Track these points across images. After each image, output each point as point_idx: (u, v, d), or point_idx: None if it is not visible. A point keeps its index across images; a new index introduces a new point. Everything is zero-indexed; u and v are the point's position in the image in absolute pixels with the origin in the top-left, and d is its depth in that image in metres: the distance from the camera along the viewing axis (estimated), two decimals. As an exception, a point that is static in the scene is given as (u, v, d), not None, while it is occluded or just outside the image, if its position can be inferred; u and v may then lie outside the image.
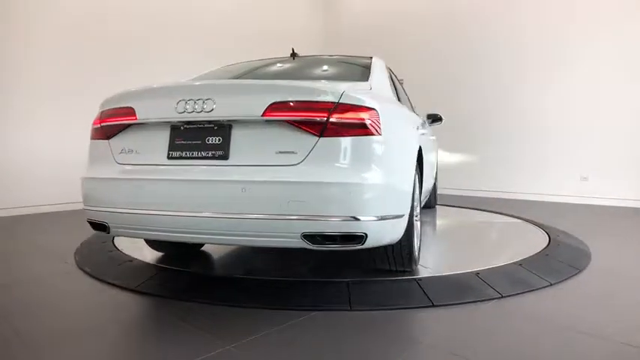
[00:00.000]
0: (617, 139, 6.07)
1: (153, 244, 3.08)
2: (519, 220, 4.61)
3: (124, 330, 2.02)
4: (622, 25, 5.98)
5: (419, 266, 2.73)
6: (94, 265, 2.99)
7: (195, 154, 2.09)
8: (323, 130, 1.94)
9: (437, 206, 5.62)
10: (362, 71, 2.64)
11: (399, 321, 2.09)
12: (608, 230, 4.47)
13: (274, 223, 1.93)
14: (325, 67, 2.98)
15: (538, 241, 3.49)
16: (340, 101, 1.96)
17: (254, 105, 2.00)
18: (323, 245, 1.97)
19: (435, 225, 4.59)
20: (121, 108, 2.25)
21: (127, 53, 6.16)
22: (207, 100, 2.05)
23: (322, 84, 2.21)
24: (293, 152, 1.96)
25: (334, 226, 1.90)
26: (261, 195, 1.94)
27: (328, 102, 1.96)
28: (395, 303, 2.27)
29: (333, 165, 1.93)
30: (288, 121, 1.97)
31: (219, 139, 2.06)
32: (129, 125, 2.23)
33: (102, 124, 2.32)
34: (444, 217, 5.00)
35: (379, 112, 2.03)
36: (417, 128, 2.98)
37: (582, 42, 6.31)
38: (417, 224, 2.64)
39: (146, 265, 2.91)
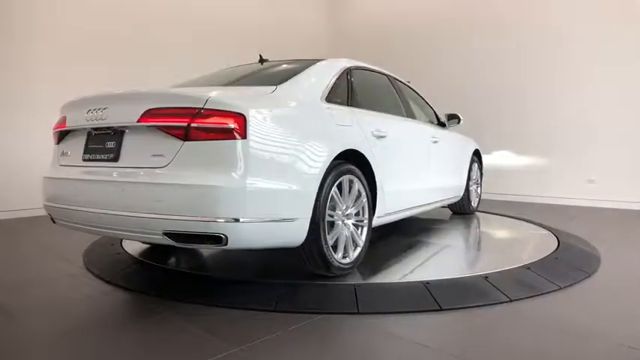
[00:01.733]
0: (625, 142, 6.02)
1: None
2: (527, 223, 4.58)
3: (129, 331, 2.03)
4: (631, 26, 5.93)
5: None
6: (101, 266, 3.00)
7: (98, 156, 2.36)
8: (187, 134, 2.07)
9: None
10: (287, 75, 2.72)
11: (407, 325, 2.08)
12: (617, 233, 4.43)
13: (144, 221, 2.09)
14: (271, 72, 3.00)
15: (547, 244, 3.46)
16: (205, 107, 2.07)
17: (132, 112, 2.19)
18: (186, 243, 2.12)
19: (440, 228, 4.57)
20: (61, 117, 2.62)
21: (128, 54, 6.16)
22: (104, 109, 2.31)
23: (191, 90, 2.31)
24: (162, 155, 2.12)
25: (192, 226, 2.01)
26: (133, 194, 2.14)
27: (192, 108, 2.08)
28: (403, 306, 2.25)
29: (194, 168, 2.05)
30: (157, 127, 2.13)
31: (114, 144, 2.29)
32: (68, 132, 2.56)
33: (54, 131, 2.69)
34: (450, 220, 4.98)
35: (247, 116, 2.08)
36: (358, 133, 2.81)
37: (588, 44, 6.26)
38: (351, 229, 2.66)
39: (153, 267, 2.91)
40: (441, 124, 4.39)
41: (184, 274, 2.82)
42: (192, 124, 2.05)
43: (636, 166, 5.95)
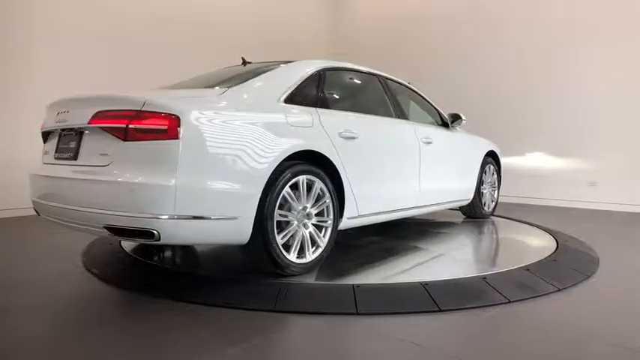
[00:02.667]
0: (626, 144, 6.03)
1: None
2: (527, 225, 4.58)
3: (128, 331, 2.03)
4: (633, 28, 5.94)
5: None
6: (100, 266, 3.00)
7: (63, 155, 2.53)
8: (126, 135, 2.20)
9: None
10: (249, 77, 2.79)
11: (405, 325, 2.08)
12: (616, 236, 4.44)
13: (90, 215, 2.25)
14: (243, 74, 2.99)
15: (546, 246, 3.47)
16: (142, 109, 2.19)
17: (86, 114, 2.36)
18: (124, 237, 2.30)
19: (441, 230, 4.57)
20: (45, 119, 2.82)
21: (128, 54, 6.16)
22: (67, 112, 2.52)
23: (132, 94, 2.35)
24: (107, 155, 2.27)
25: (127, 221, 2.14)
26: (82, 191, 2.33)
27: (131, 110, 2.21)
28: (402, 307, 2.26)
29: (130, 166, 2.18)
30: (103, 128, 2.29)
31: (74, 144, 2.46)
32: (50, 132, 2.74)
33: (41, 131, 2.87)
34: (451, 222, 4.98)
35: (181, 117, 2.16)
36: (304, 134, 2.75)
37: (589, 46, 6.27)
38: (305, 230, 2.66)
39: (152, 267, 2.92)
40: (445, 125, 4.28)
41: (184, 273, 2.82)
42: (130, 126, 2.18)
43: (637, 169, 5.95)
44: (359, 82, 3.69)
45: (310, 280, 2.58)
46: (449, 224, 4.64)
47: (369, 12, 8.93)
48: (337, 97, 3.32)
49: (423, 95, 4.23)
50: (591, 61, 6.27)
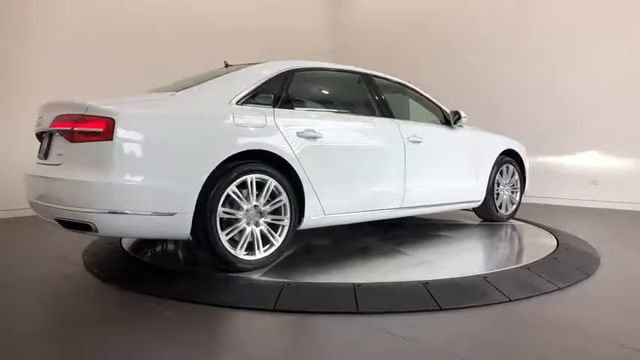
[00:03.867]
0: (628, 143, 6.02)
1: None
2: (527, 224, 4.58)
3: (129, 331, 2.03)
4: (636, 25, 5.93)
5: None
6: (101, 266, 3.01)
7: (41, 155, 2.77)
8: (72, 137, 2.43)
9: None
10: (205, 80, 2.95)
11: (406, 324, 2.08)
12: (617, 234, 4.43)
13: (48, 209, 2.52)
14: (210, 77, 3.07)
15: (547, 244, 3.46)
16: (85, 113, 2.40)
17: (49, 119, 2.63)
18: (70, 229, 2.49)
19: (444, 231, 4.57)
20: None
21: (128, 55, 6.14)
22: (42, 117, 2.78)
23: (80, 100, 2.49)
24: (62, 155, 2.53)
25: (69, 214, 2.39)
26: (44, 187, 2.60)
27: (77, 114, 2.43)
28: (402, 306, 2.26)
29: (74, 165, 2.43)
30: (59, 131, 2.56)
31: (46, 145, 2.72)
32: (41, 133, 2.90)
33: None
34: (458, 222, 4.98)
35: (117, 120, 2.34)
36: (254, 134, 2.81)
37: (590, 44, 6.26)
38: (256, 227, 2.74)
39: (152, 266, 2.92)
40: (448, 123, 4.11)
41: (184, 272, 2.81)
42: (75, 128, 2.42)
43: (639, 168, 5.94)
44: (334, 81, 3.71)
45: (310, 280, 2.58)
46: (453, 225, 4.64)
47: (370, 9, 8.92)
48: (305, 97, 3.37)
49: (423, 93, 4.13)
50: (591, 59, 6.26)
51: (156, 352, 1.81)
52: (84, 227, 2.38)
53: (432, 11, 7.93)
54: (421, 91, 4.14)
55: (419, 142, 3.64)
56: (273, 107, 2.93)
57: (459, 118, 4.11)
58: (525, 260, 2.96)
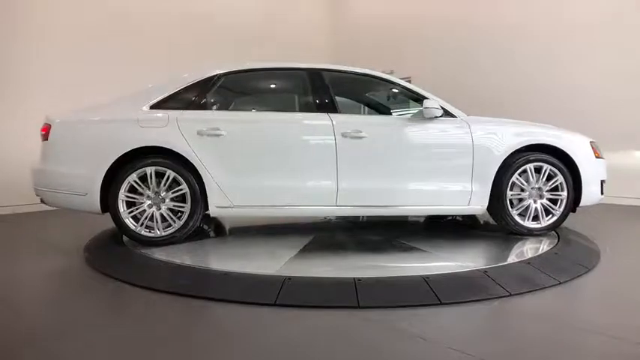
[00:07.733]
0: (631, 137, 6.00)
1: None
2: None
3: (129, 326, 2.03)
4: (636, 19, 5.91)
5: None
6: (102, 261, 3.02)
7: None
8: (42, 138, 3.36)
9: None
10: (144, 89, 3.52)
11: (407, 318, 2.08)
12: (618, 229, 4.44)
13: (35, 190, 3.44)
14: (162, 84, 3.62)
15: (547, 239, 3.46)
16: (45, 121, 3.36)
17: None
18: (42, 203, 3.46)
19: (445, 226, 4.57)
20: None
21: (128, 55, 6.15)
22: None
23: (51, 113, 3.45)
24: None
25: (37, 192, 3.40)
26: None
27: (49, 123, 3.34)
28: (403, 300, 2.26)
29: (41, 158, 3.36)
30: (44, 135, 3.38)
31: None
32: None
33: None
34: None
35: (52, 125, 3.30)
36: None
37: (589, 40, 6.24)
38: (156, 210, 3.24)
39: (153, 262, 2.92)
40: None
41: (186, 267, 2.81)
42: (42, 132, 3.35)
43: (639, 162, 5.93)
44: (267, 81, 3.99)
45: (311, 274, 2.58)
46: (454, 221, 4.64)
47: (370, 9, 8.88)
48: (223, 98, 3.73)
49: (397, 81, 3.74)
50: (591, 58, 6.23)
51: (155, 348, 1.82)
52: (42, 201, 3.40)
53: (432, 10, 7.90)
54: (399, 81, 3.77)
55: (360, 137, 3.32)
56: (183, 110, 3.34)
57: (428, 107, 3.42)
58: (526, 255, 2.96)
